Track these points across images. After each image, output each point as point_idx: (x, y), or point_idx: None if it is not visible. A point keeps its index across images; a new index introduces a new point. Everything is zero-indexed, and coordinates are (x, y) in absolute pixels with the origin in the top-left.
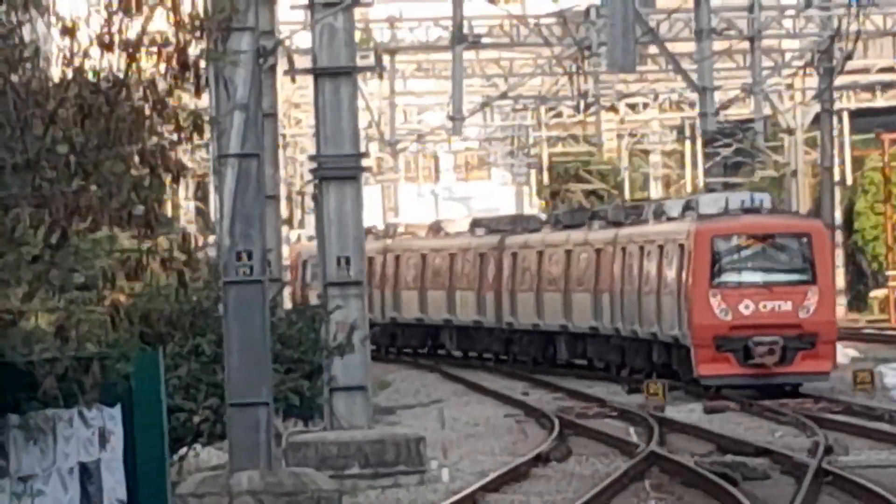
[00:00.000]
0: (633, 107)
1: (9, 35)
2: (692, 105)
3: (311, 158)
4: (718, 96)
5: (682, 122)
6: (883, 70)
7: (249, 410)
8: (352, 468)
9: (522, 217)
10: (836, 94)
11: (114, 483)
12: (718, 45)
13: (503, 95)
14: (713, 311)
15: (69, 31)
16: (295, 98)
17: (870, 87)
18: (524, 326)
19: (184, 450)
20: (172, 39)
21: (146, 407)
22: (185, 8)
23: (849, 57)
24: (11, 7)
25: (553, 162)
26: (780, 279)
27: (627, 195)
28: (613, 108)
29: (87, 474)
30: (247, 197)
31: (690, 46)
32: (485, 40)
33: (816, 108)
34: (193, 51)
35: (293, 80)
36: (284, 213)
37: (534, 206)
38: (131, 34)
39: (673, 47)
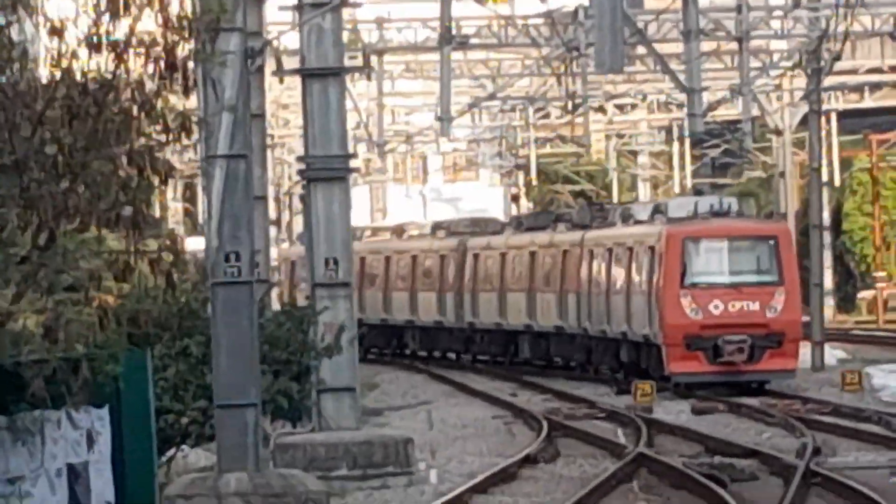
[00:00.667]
0: (621, 108)
1: None
2: (680, 106)
3: (300, 159)
4: (706, 97)
5: (670, 123)
6: (871, 71)
7: (237, 412)
8: (340, 469)
9: (483, 220)
10: (824, 95)
11: (102, 484)
12: (706, 45)
13: (491, 96)
14: (684, 311)
15: (57, 32)
16: (283, 99)
17: (858, 88)
18: (486, 326)
19: (172, 451)
20: (160, 40)
21: (134, 408)
22: (173, 9)
23: (837, 58)
24: None
25: (541, 163)
26: (748, 280)
27: (615, 196)
28: (601, 109)
29: (76, 475)
30: (235, 198)
31: (678, 47)
32: (473, 41)
33: (804, 108)
34: (181, 51)
35: (281, 81)
36: (273, 214)
37: (522, 207)
38: (119, 35)
39: (661, 48)
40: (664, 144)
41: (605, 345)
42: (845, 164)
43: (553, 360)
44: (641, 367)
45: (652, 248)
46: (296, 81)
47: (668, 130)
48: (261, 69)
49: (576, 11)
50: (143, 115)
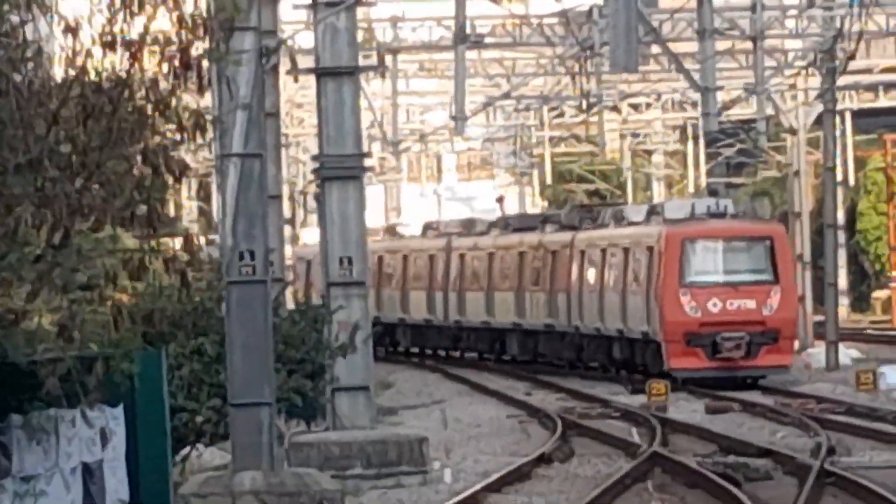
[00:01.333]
0: (635, 107)
1: (11, 34)
2: (695, 105)
3: (314, 158)
4: (721, 96)
5: (685, 123)
6: (886, 70)
7: (252, 410)
8: (354, 468)
9: (472, 221)
10: (838, 95)
11: (116, 483)
12: (721, 44)
13: (506, 95)
14: (683, 309)
15: (72, 31)
16: (297, 98)
17: (872, 88)
18: (473, 324)
19: (186, 450)
20: (175, 39)
21: (149, 407)
22: (188, 7)
23: (851, 57)
24: (14, 6)
25: (555, 162)
26: (745, 279)
27: (630, 195)
28: (616, 109)
29: (90, 474)
30: (249, 196)
31: (693, 46)
32: (487, 40)
33: (819, 108)
34: (196, 50)
35: (296, 80)
36: (287, 212)
37: (536, 206)
38: (134, 34)
39: (675, 47)
40: (679, 144)
41: (598, 342)
42: (860, 163)
43: (539, 356)
44: (636, 364)
45: (650, 249)
46: (310, 80)
47: (683, 129)
48: (275, 68)
49: (590, 11)
50: (157, 113)
